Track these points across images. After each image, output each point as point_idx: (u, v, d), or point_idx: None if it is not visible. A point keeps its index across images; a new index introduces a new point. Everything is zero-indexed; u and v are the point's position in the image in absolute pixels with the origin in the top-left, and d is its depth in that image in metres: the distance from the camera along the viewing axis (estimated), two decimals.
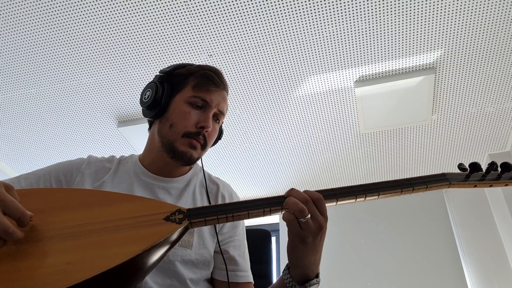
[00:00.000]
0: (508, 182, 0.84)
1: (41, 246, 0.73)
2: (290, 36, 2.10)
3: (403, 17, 2.01)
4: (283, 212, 0.79)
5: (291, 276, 0.85)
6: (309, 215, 0.77)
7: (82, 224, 0.76)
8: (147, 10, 1.98)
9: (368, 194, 0.81)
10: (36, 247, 0.73)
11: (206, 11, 1.98)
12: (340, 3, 1.95)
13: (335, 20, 2.03)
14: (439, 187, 0.85)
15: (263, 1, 1.93)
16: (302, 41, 2.13)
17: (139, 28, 2.06)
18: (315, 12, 1.99)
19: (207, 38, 2.12)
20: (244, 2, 1.94)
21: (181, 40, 2.13)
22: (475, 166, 0.84)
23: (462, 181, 0.85)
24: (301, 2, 1.94)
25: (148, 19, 2.02)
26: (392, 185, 0.83)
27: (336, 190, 0.81)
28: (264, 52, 2.19)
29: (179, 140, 1.01)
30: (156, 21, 2.03)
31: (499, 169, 0.84)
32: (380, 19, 2.02)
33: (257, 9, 1.97)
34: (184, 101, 1.03)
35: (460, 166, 0.88)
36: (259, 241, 1.43)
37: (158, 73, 1.09)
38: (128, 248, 0.71)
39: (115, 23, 2.04)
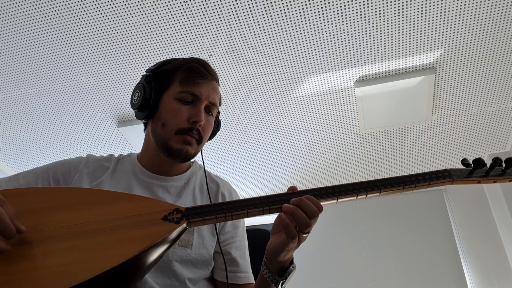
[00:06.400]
0: None
1: (37, 248, 0.72)
2: (290, 36, 2.10)
3: (403, 17, 2.01)
4: (282, 217, 0.78)
5: (270, 270, 0.85)
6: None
7: (79, 224, 0.75)
8: (147, 10, 1.98)
9: (369, 192, 0.80)
10: (32, 248, 0.72)
11: (206, 11, 1.98)
12: (340, 3, 1.94)
13: (335, 20, 2.02)
14: (442, 184, 0.83)
15: (263, 1, 1.93)
16: (302, 41, 2.13)
17: (139, 28, 2.06)
18: (315, 12, 1.99)
19: (207, 38, 2.12)
20: (244, 2, 1.94)
21: (181, 40, 2.13)
22: (478, 162, 0.82)
23: (466, 177, 0.83)
24: (301, 2, 1.94)
25: (148, 19, 2.02)
26: (394, 182, 0.81)
27: (336, 188, 0.80)
28: (264, 52, 2.19)
29: (172, 138, 0.99)
30: (156, 21, 2.03)
31: (503, 164, 0.83)
32: (380, 19, 2.02)
33: (257, 9, 1.97)
34: (173, 98, 1.01)
35: (464, 162, 0.85)
36: (259, 241, 1.42)
37: (144, 73, 1.07)
38: (125, 248, 0.70)
39: (115, 23, 2.04)
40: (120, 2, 1.94)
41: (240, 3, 1.94)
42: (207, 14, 1.99)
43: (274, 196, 0.80)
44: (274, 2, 1.94)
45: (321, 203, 0.79)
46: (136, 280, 0.78)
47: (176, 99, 1.01)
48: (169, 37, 2.11)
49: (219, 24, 2.04)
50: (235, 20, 2.02)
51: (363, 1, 1.93)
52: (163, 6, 1.96)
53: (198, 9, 1.97)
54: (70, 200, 0.81)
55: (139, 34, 2.10)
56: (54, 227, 0.75)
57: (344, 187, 0.80)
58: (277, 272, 0.85)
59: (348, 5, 1.95)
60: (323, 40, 2.12)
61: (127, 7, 1.96)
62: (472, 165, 0.84)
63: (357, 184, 0.80)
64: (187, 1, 1.94)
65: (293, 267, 0.86)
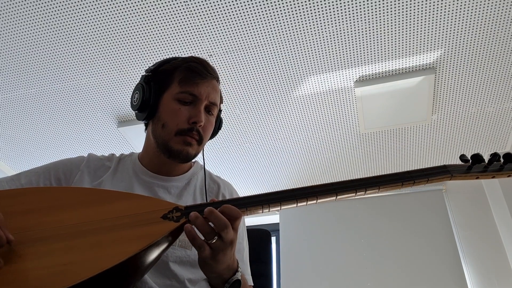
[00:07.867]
0: (510, 173, 0.83)
1: (36, 247, 0.72)
2: (290, 36, 2.10)
3: (403, 17, 2.01)
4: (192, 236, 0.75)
5: (212, 284, 0.85)
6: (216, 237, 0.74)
7: (78, 223, 0.75)
8: (147, 10, 1.98)
9: (368, 188, 0.79)
10: (31, 248, 0.72)
11: (206, 11, 1.98)
12: (340, 3, 1.94)
13: (335, 20, 2.02)
14: (440, 180, 0.83)
15: (263, 1, 1.93)
16: (302, 41, 2.13)
17: (139, 28, 2.06)
18: (315, 12, 1.99)
19: (207, 38, 2.12)
20: (244, 2, 1.94)
21: (181, 40, 2.13)
22: (477, 158, 0.82)
23: (464, 173, 0.83)
24: (301, 2, 1.94)
25: (148, 19, 2.02)
26: (392, 179, 0.81)
27: (336, 185, 0.79)
28: (264, 52, 2.19)
29: (173, 139, 0.99)
30: (156, 21, 2.03)
31: (502, 160, 0.83)
32: (380, 19, 2.02)
33: (257, 9, 1.97)
34: (172, 98, 1.00)
35: (462, 158, 0.85)
36: (259, 241, 1.42)
37: (144, 73, 1.06)
38: (125, 248, 0.70)
39: (115, 23, 2.04)
40: (120, 2, 1.94)
41: (240, 3, 1.94)
42: (207, 14, 1.99)
43: (274, 193, 0.79)
44: (274, 2, 1.94)
45: (320, 200, 0.78)
46: (136, 279, 0.78)
47: (176, 99, 1.00)
48: (169, 37, 2.11)
49: (219, 24, 2.04)
50: (235, 20, 2.02)
51: (363, 1, 1.94)
52: (163, 6, 1.96)
53: (198, 9, 1.97)
54: (70, 199, 0.81)
55: (139, 34, 2.10)
56: (53, 227, 0.75)
57: (343, 184, 0.79)
58: (221, 284, 0.83)
59: (348, 5, 1.95)
60: (323, 40, 2.12)
61: (127, 7, 1.96)
62: (470, 161, 0.84)
63: (356, 180, 0.80)
64: (187, 1, 1.94)
65: (235, 277, 0.83)
